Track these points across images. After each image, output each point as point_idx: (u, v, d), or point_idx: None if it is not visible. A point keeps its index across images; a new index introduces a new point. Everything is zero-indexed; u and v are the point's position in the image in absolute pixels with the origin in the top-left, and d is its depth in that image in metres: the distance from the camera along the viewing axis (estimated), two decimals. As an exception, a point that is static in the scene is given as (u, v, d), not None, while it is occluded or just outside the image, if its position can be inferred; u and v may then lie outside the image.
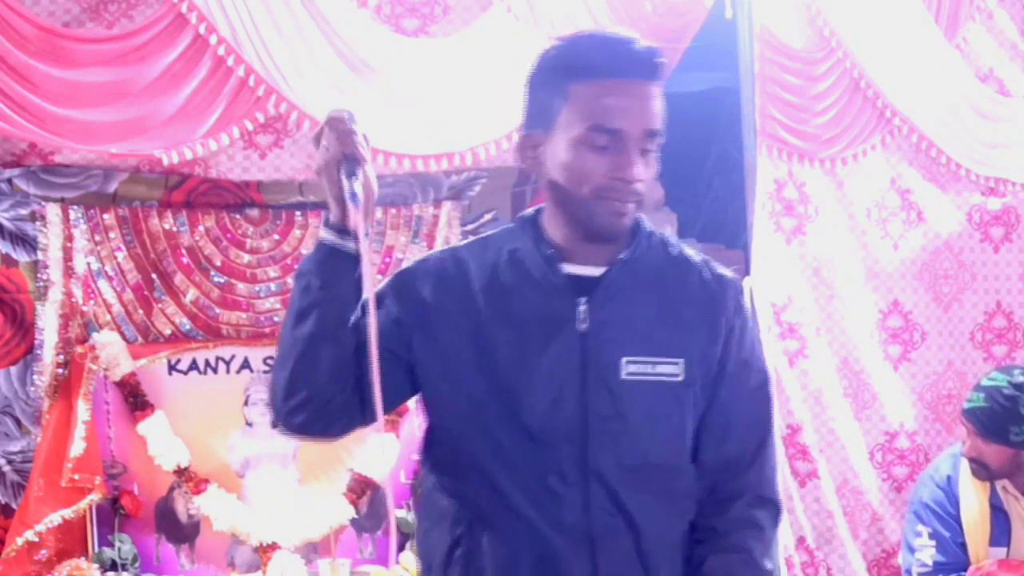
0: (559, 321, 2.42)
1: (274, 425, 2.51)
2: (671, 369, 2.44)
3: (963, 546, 4.50)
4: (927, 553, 4.51)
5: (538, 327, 2.42)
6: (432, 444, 2.53)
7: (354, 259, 2.39)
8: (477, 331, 2.43)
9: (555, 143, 2.41)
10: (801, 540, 5.39)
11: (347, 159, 2.39)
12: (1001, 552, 4.47)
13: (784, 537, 5.30)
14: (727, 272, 2.58)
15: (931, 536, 4.51)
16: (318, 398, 2.42)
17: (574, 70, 2.39)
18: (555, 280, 2.45)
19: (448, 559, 2.45)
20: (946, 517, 4.51)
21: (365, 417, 2.42)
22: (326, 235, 2.41)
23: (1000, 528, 4.48)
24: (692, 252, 2.58)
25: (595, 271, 2.46)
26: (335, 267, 2.40)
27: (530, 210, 2.54)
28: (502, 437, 2.40)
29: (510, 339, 2.42)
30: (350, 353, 2.40)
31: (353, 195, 2.37)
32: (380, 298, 2.44)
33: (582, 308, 2.42)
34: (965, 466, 4.50)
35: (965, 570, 4.49)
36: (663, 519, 2.46)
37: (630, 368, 2.42)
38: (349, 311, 2.41)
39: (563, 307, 2.43)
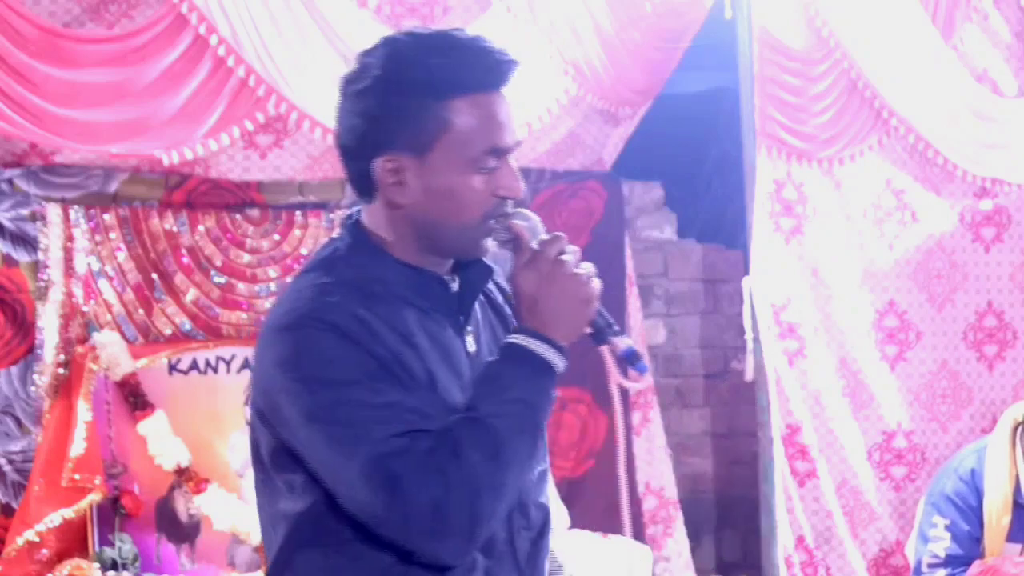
0: (458, 347, 2.18)
1: (435, 550, 2.08)
2: None
3: (979, 541, 4.53)
4: (941, 545, 4.53)
5: (453, 357, 2.16)
6: None
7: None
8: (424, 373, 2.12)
9: (432, 168, 2.11)
10: (800, 539, 5.40)
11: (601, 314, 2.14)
12: (1016, 549, 4.50)
13: (784, 537, 5.32)
14: None
15: (947, 528, 4.54)
16: None
17: (454, 85, 2.10)
18: (445, 304, 2.18)
19: None
20: (966, 510, 4.54)
21: None
22: (554, 357, 2.10)
23: (1020, 524, 4.51)
24: None
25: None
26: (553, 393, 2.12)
27: (344, 236, 2.20)
28: None
29: (443, 374, 2.13)
30: None
31: (635, 360, 2.13)
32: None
33: (469, 328, 2.20)
34: (991, 461, 4.54)
35: (976, 566, 4.54)
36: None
37: None
38: None
39: (453, 330, 2.18)
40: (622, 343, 2.12)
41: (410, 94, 2.09)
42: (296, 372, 2.06)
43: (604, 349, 2.14)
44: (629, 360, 2.11)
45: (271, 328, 2.11)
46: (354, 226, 2.20)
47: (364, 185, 2.16)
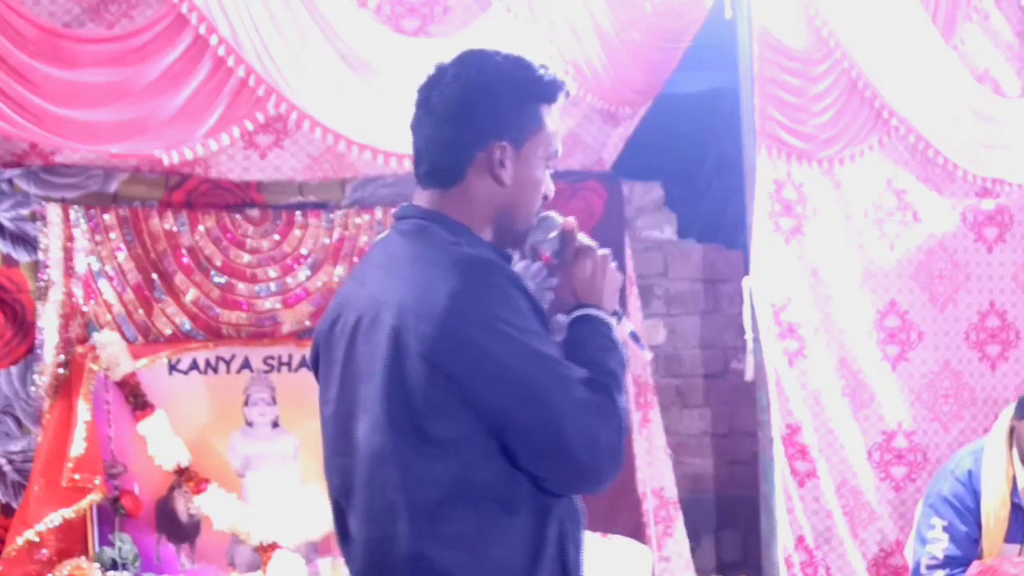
0: None
1: (601, 485, 2.44)
2: None
3: (976, 542, 4.54)
4: (939, 546, 4.55)
5: None
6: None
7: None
8: None
9: (524, 159, 2.51)
10: (800, 539, 5.40)
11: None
12: (1014, 549, 4.51)
13: (784, 537, 5.32)
14: None
15: (945, 529, 4.55)
16: None
17: (545, 95, 2.53)
18: None
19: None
20: (964, 511, 4.55)
21: None
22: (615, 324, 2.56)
23: (1017, 525, 4.53)
24: None
25: None
26: None
27: (426, 216, 2.51)
28: None
29: None
30: None
31: (638, 340, 2.65)
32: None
33: None
34: (987, 462, 4.55)
35: (974, 566, 4.54)
36: None
37: None
38: None
39: None
40: (628, 326, 2.60)
41: (523, 93, 2.50)
42: (503, 326, 2.34)
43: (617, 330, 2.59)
44: (634, 339, 2.61)
45: (465, 287, 2.34)
46: (437, 215, 2.49)
47: (456, 170, 2.48)
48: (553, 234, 2.57)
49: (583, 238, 2.58)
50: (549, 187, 2.55)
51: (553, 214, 2.58)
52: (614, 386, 2.41)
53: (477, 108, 2.47)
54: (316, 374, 2.62)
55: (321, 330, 2.57)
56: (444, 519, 2.36)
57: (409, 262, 2.43)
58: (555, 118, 2.54)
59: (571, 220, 2.59)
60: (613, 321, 2.53)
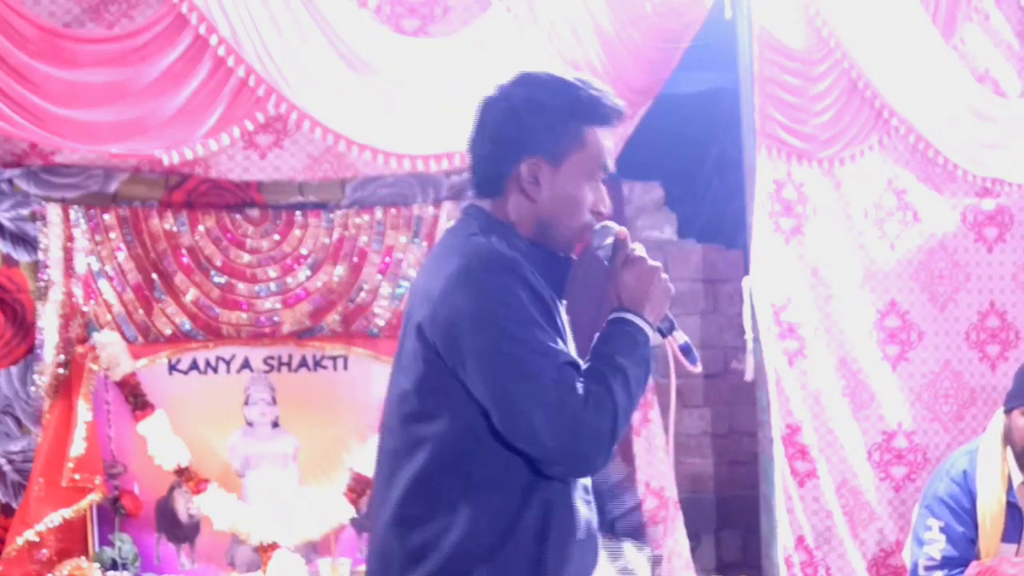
0: (561, 313, 2.71)
1: (585, 469, 2.57)
2: None
3: (973, 542, 4.54)
4: (936, 547, 4.55)
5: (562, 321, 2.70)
6: None
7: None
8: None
9: (562, 176, 2.65)
10: (800, 539, 5.39)
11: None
12: (1011, 549, 4.51)
13: (784, 537, 5.31)
14: None
15: (942, 530, 4.56)
16: None
17: (589, 117, 2.66)
18: (557, 279, 2.70)
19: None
20: (960, 512, 4.56)
21: None
22: (650, 331, 2.66)
23: (1014, 525, 4.53)
24: None
25: None
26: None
27: (476, 217, 2.68)
28: None
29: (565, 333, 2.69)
30: None
31: (690, 352, 2.67)
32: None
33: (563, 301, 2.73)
34: (983, 462, 4.55)
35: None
36: None
37: None
38: None
39: (558, 301, 2.70)
40: (681, 337, 2.69)
41: (561, 115, 2.64)
42: (489, 308, 2.50)
43: (667, 341, 2.70)
44: (685, 352, 2.67)
45: (463, 270, 2.52)
46: (480, 211, 2.68)
47: (497, 183, 2.66)
48: (608, 241, 2.69)
49: (636, 247, 2.69)
50: (605, 202, 2.69)
51: (611, 224, 2.70)
52: (614, 377, 2.52)
53: (512, 125, 2.64)
54: None
55: None
56: (427, 488, 2.53)
57: (440, 254, 2.67)
58: (601, 137, 2.66)
59: (623, 230, 2.71)
60: (648, 329, 2.62)
